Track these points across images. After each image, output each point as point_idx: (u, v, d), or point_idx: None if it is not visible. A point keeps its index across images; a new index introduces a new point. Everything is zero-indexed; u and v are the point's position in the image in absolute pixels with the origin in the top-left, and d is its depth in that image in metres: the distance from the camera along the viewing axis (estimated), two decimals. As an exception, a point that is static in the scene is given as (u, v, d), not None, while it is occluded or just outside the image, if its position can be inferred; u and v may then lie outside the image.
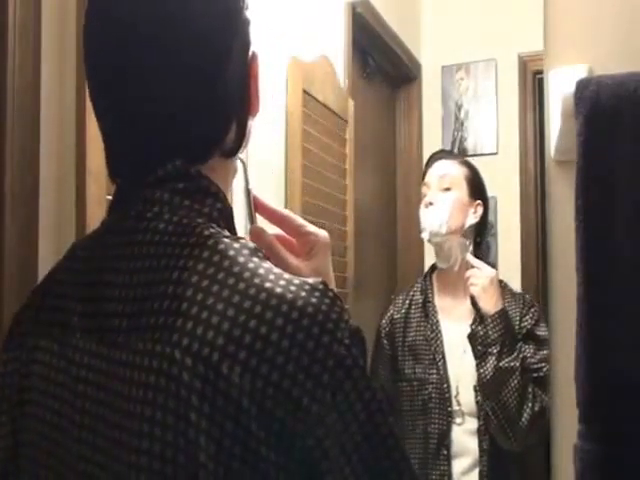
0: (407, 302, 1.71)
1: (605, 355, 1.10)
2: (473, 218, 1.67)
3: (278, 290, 0.62)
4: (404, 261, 1.84)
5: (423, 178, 1.74)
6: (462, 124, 1.78)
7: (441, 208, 1.67)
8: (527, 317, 1.57)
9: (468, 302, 1.60)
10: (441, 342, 1.64)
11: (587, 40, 1.26)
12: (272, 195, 1.55)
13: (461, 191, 1.68)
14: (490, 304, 1.57)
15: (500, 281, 1.62)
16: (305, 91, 1.65)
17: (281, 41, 1.59)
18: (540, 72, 1.38)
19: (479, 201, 1.68)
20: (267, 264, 0.65)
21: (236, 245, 0.65)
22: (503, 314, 1.56)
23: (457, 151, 1.79)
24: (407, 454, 0.66)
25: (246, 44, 0.76)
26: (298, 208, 1.59)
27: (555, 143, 1.25)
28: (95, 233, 0.76)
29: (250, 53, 0.77)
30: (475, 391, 1.57)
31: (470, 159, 1.74)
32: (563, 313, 1.21)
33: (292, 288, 0.62)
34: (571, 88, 1.16)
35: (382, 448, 0.63)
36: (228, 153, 0.75)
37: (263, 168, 1.49)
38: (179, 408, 0.59)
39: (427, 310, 1.68)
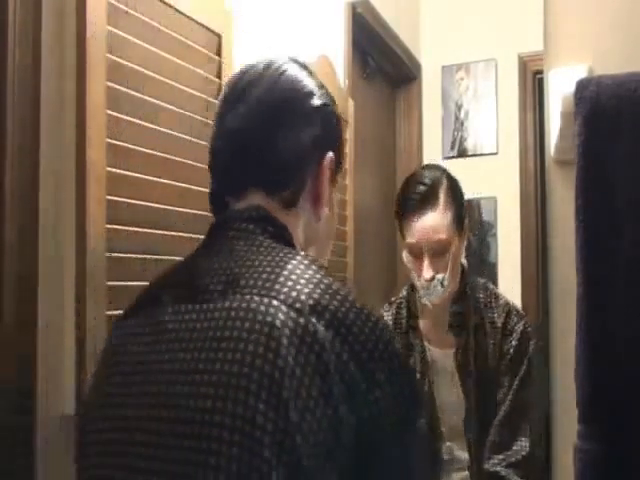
0: (392, 323, 1.64)
1: (605, 355, 1.10)
2: (464, 248, 1.61)
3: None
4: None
5: (404, 235, 1.58)
6: (462, 124, 1.78)
7: (444, 281, 1.54)
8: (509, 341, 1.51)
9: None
10: (429, 369, 1.58)
11: (587, 40, 1.26)
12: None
13: (454, 239, 1.55)
14: None
15: (492, 292, 1.58)
16: (305, 91, 1.64)
17: (281, 41, 1.59)
18: (540, 72, 1.38)
19: (464, 228, 1.59)
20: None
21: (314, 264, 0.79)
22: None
23: (457, 151, 1.78)
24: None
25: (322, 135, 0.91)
26: (298, 208, 1.59)
27: (555, 143, 1.25)
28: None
29: (328, 156, 0.92)
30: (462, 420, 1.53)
31: (470, 159, 1.74)
32: (563, 313, 1.21)
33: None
34: (571, 88, 1.16)
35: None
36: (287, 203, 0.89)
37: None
38: (270, 343, 0.68)
39: (410, 338, 1.62)
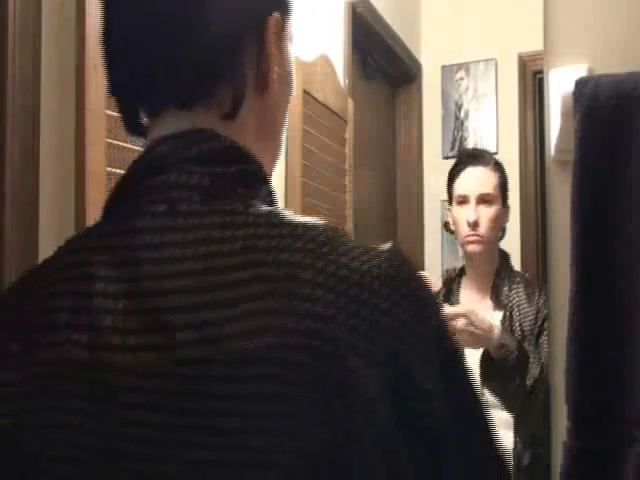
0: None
1: (600, 354, 1.10)
2: (503, 224, 1.68)
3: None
4: (404, 261, 1.84)
5: (452, 182, 1.70)
6: (462, 124, 1.78)
7: (485, 228, 1.64)
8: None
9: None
10: None
11: (587, 40, 1.26)
12: (272, 195, 1.55)
13: (498, 203, 1.66)
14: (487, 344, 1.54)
15: (518, 272, 1.63)
16: (305, 91, 1.65)
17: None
18: (540, 72, 1.38)
19: (508, 206, 1.67)
20: None
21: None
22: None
23: (457, 151, 1.79)
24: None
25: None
26: (298, 208, 1.59)
27: (555, 143, 1.25)
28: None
29: (272, 18, 0.67)
30: None
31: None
32: (562, 312, 1.21)
33: None
34: (571, 88, 1.17)
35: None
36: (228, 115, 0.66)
37: (263, 168, 1.49)
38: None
39: None
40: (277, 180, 1.60)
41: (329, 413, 0.55)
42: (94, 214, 1.09)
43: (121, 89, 0.69)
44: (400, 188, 1.95)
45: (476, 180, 1.68)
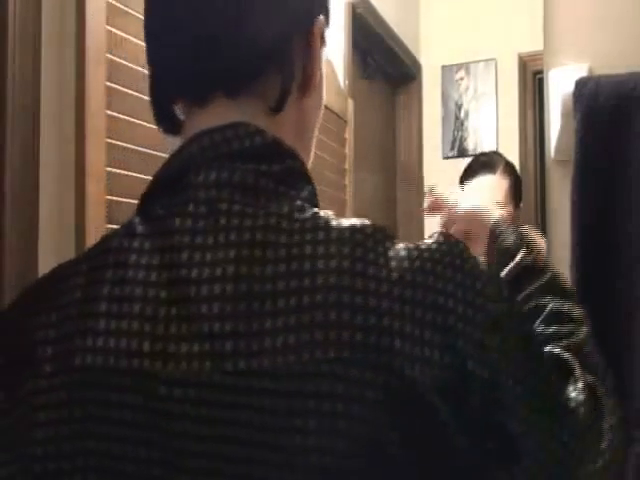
0: None
1: (599, 354, 1.11)
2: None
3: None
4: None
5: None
6: (462, 124, 1.78)
7: None
8: None
9: None
10: None
11: (587, 40, 1.26)
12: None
13: (509, 207, 1.62)
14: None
15: None
16: (305, 91, 1.65)
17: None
18: (540, 72, 1.38)
19: (520, 206, 1.65)
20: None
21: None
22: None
23: (457, 151, 1.79)
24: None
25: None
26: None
27: (555, 142, 1.25)
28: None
29: (318, 20, 0.67)
30: None
31: (470, 159, 1.74)
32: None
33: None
34: (571, 87, 1.17)
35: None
36: (274, 108, 0.65)
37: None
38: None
39: None
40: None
41: (382, 428, 0.54)
42: (94, 214, 1.09)
43: (165, 73, 0.66)
44: (400, 188, 1.95)
45: (486, 189, 1.66)
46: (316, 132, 0.74)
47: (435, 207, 1.05)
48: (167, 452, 0.56)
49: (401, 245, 0.60)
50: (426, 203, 1.07)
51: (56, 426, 0.58)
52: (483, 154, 1.72)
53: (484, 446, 0.57)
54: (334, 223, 0.59)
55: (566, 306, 0.78)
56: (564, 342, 0.71)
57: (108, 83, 1.12)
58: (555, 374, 0.63)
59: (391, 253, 0.58)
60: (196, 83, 0.64)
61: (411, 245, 0.60)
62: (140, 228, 0.62)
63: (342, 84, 1.83)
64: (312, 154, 0.74)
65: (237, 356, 0.55)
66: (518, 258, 0.86)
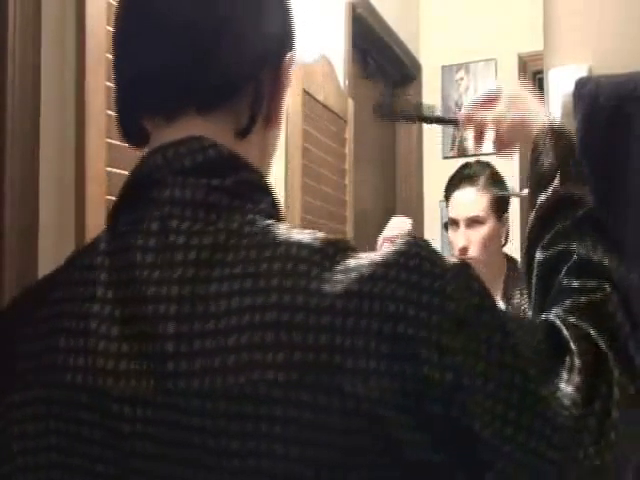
0: None
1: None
2: (502, 240, 1.67)
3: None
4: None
5: (447, 203, 1.70)
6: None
7: (475, 251, 1.63)
8: None
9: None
10: None
11: (587, 40, 1.26)
12: (272, 195, 1.55)
13: (490, 221, 1.65)
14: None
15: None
16: (305, 91, 1.65)
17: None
18: (540, 72, 1.38)
19: (506, 217, 1.66)
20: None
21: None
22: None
23: (457, 151, 1.79)
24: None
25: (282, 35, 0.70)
26: (298, 208, 1.59)
27: (555, 143, 1.25)
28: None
29: (288, 56, 0.70)
30: None
31: (470, 159, 1.74)
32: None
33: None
34: (571, 88, 1.17)
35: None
36: (242, 132, 0.66)
37: (263, 168, 1.49)
38: None
39: None
40: (277, 180, 1.60)
41: (324, 449, 0.53)
42: (94, 214, 1.09)
43: (136, 89, 0.66)
44: (400, 188, 1.96)
45: (464, 204, 1.67)
46: (271, 165, 0.75)
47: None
48: (123, 470, 0.57)
49: (356, 255, 0.57)
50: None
51: (26, 441, 0.60)
52: (466, 166, 1.70)
53: (454, 456, 0.55)
54: (282, 238, 0.58)
55: (597, 255, 0.71)
56: (583, 300, 0.66)
57: (108, 83, 1.12)
58: (543, 360, 0.58)
59: (340, 267, 0.56)
60: (167, 99, 0.65)
61: (365, 254, 0.58)
62: (103, 245, 0.64)
63: (342, 84, 1.83)
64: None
65: (178, 376, 0.55)
66: (551, 189, 0.78)
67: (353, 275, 0.55)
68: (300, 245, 0.57)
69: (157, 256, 0.59)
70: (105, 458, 0.58)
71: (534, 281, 0.78)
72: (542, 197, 0.79)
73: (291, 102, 1.63)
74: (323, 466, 0.53)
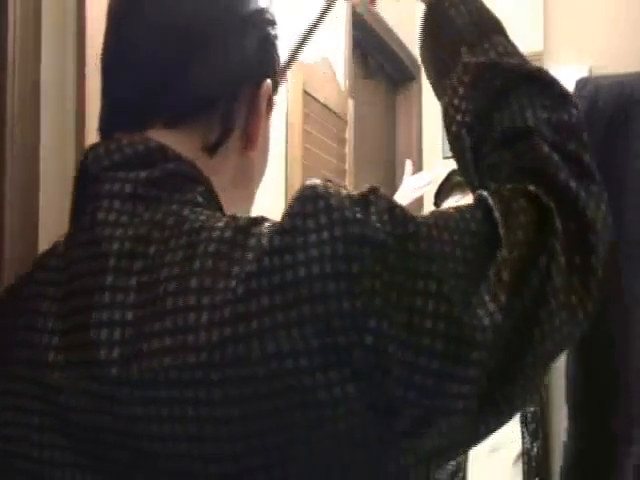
0: None
1: (600, 353, 1.11)
2: None
3: None
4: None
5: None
6: (462, 124, 1.78)
7: None
8: None
9: None
10: None
11: (586, 40, 1.27)
12: (272, 194, 1.56)
13: None
14: None
15: None
16: (305, 91, 1.65)
17: (281, 41, 1.59)
18: (540, 72, 1.38)
19: None
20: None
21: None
22: None
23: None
24: None
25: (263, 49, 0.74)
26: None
27: (555, 143, 1.25)
28: None
29: (265, 83, 0.72)
30: None
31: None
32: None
33: None
34: (570, 88, 1.17)
35: None
36: (210, 148, 0.67)
37: (263, 168, 1.49)
38: None
39: None
40: (277, 180, 1.60)
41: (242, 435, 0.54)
42: (94, 214, 1.09)
43: (109, 107, 0.71)
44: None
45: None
46: (257, 185, 0.76)
47: None
48: (79, 456, 0.59)
49: (268, 225, 0.58)
50: None
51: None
52: (454, 172, 1.69)
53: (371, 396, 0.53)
54: (208, 224, 0.59)
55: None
56: (516, 162, 0.68)
57: (108, 83, 1.12)
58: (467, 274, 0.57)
59: (252, 241, 0.56)
60: (135, 114, 0.68)
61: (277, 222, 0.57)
62: (61, 240, 0.69)
63: (342, 84, 1.83)
64: (253, 199, 0.76)
65: (111, 364, 0.57)
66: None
67: (264, 241, 0.55)
68: (225, 227, 0.58)
69: (85, 249, 0.62)
70: (61, 445, 0.60)
71: (468, 156, 0.77)
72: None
73: (291, 102, 1.64)
74: (256, 446, 0.53)
